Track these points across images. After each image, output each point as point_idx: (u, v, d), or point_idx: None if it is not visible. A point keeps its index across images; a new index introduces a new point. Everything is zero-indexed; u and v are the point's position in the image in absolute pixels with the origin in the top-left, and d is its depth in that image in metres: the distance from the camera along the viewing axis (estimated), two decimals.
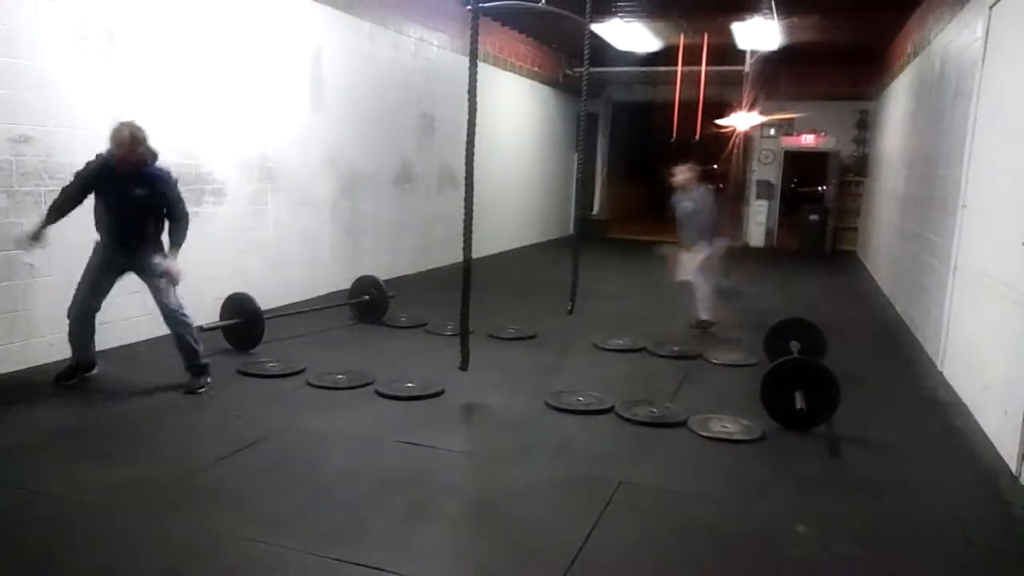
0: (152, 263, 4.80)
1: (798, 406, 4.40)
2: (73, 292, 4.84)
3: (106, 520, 3.20)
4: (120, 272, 4.89)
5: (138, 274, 4.90)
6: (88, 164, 4.67)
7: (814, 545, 3.24)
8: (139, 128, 4.57)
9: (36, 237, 4.57)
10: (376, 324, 6.93)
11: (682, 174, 7.19)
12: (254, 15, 6.84)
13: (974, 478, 3.99)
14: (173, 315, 4.87)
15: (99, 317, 5.50)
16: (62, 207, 4.65)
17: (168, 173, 4.78)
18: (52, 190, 5.11)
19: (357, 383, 5.09)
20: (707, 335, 6.98)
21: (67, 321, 4.84)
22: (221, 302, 5.99)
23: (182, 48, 6.09)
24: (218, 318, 5.91)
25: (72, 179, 4.69)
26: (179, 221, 4.79)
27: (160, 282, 4.82)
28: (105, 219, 4.73)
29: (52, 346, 5.23)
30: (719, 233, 7.16)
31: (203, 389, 4.88)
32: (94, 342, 4.98)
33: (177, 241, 4.77)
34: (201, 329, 5.69)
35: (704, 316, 7.14)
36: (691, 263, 7.11)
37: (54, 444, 3.97)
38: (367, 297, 7.05)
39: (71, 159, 5.21)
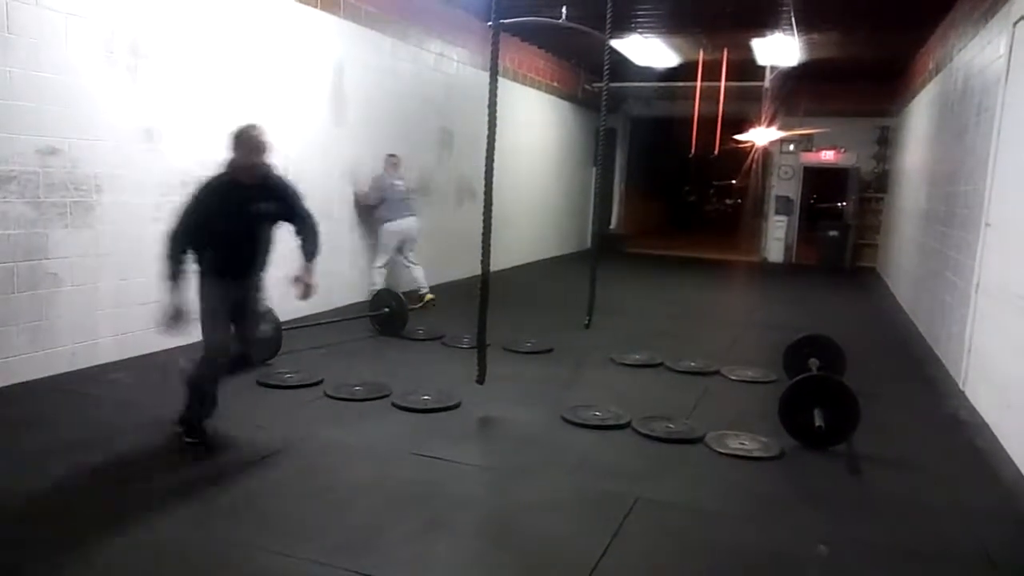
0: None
1: (817, 423, 4.36)
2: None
3: (122, 532, 3.22)
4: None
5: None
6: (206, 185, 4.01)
7: (835, 566, 3.20)
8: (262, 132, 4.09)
9: (178, 314, 3.89)
10: (395, 337, 6.96)
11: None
12: (278, 30, 6.93)
13: (997, 499, 3.93)
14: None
15: (115, 326, 5.60)
16: (181, 254, 3.92)
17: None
18: (77, 201, 5.21)
19: (374, 395, 5.10)
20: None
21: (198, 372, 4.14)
22: None
23: (206, 62, 6.18)
24: None
25: (183, 213, 3.94)
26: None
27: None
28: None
29: (74, 355, 5.30)
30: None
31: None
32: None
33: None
34: None
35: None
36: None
37: (71, 452, 4.00)
38: (387, 310, 7.08)
39: (96, 170, 5.32)
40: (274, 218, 4.22)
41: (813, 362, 5.48)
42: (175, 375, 4.43)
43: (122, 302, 5.61)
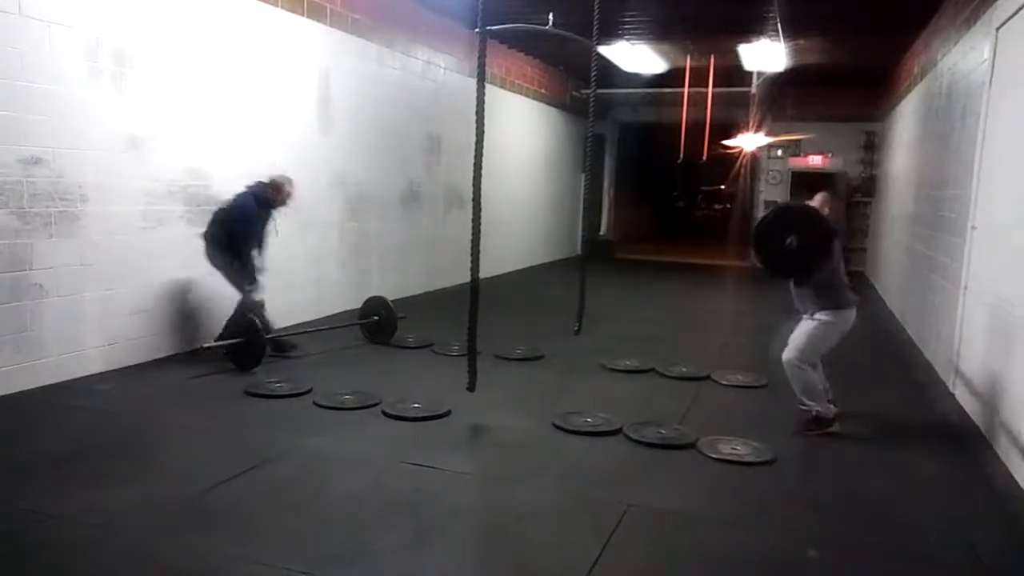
0: None
1: (788, 241, 4.58)
2: None
3: (109, 541, 3.18)
4: None
5: None
6: None
7: (826, 570, 3.20)
8: None
9: None
10: (384, 345, 6.92)
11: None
12: (264, 38, 6.91)
13: (988, 502, 3.93)
14: None
15: (101, 336, 5.54)
16: None
17: None
18: (62, 211, 5.17)
19: (364, 403, 5.07)
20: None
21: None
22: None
23: (192, 71, 6.15)
24: (226, 311, 6.01)
25: None
26: None
27: None
28: None
29: (59, 366, 5.24)
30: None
31: None
32: None
33: None
34: (202, 348, 5.71)
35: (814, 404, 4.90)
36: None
37: (58, 464, 3.96)
38: (376, 318, 7.05)
39: (81, 180, 5.28)
40: None
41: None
42: (160, 385, 4.38)
43: (108, 312, 5.56)
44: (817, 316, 4.85)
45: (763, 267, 5.08)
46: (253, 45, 6.80)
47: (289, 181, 6.21)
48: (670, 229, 24.75)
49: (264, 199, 6.07)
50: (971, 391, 5.35)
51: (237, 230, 5.93)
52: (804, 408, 4.87)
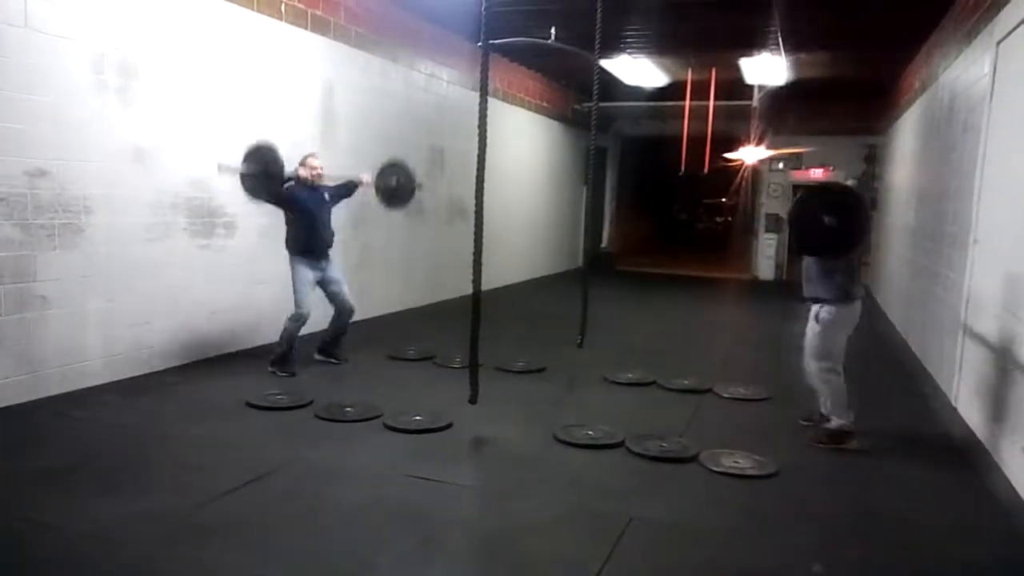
0: None
1: (827, 222, 4.57)
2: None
3: (112, 553, 3.18)
4: None
5: None
6: None
7: None
8: None
9: None
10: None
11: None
12: (268, 52, 6.95)
13: (991, 516, 3.92)
14: None
15: (104, 348, 5.55)
16: None
17: None
18: (66, 223, 5.19)
19: (365, 416, 5.06)
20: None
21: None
22: (231, 332, 6.00)
23: (196, 83, 6.19)
24: (228, 324, 5.96)
25: None
26: None
27: None
28: None
29: (63, 378, 5.24)
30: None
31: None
32: None
33: None
34: (220, 166, 5.87)
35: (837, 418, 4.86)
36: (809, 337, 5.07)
37: (61, 476, 3.96)
38: (395, 181, 6.87)
39: (85, 192, 5.30)
40: None
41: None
42: (162, 397, 4.38)
43: (111, 324, 5.57)
44: (822, 314, 4.87)
45: (799, 246, 5.04)
46: (257, 58, 6.84)
47: (310, 155, 6.33)
48: (672, 241, 24.76)
49: (299, 180, 6.24)
50: (973, 404, 5.34)
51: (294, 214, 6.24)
52: (825, 418, 4.89)
